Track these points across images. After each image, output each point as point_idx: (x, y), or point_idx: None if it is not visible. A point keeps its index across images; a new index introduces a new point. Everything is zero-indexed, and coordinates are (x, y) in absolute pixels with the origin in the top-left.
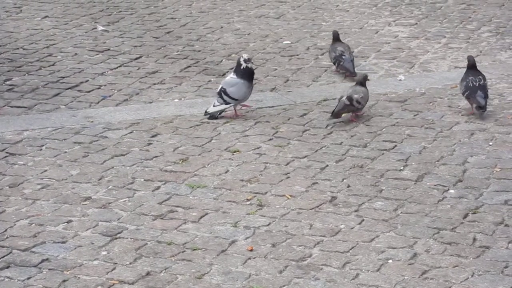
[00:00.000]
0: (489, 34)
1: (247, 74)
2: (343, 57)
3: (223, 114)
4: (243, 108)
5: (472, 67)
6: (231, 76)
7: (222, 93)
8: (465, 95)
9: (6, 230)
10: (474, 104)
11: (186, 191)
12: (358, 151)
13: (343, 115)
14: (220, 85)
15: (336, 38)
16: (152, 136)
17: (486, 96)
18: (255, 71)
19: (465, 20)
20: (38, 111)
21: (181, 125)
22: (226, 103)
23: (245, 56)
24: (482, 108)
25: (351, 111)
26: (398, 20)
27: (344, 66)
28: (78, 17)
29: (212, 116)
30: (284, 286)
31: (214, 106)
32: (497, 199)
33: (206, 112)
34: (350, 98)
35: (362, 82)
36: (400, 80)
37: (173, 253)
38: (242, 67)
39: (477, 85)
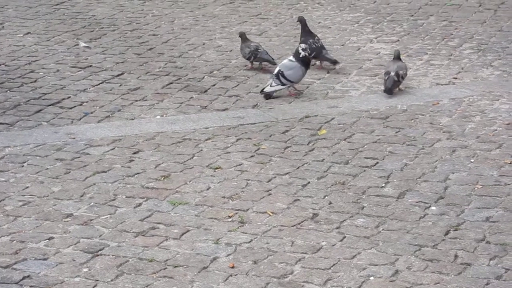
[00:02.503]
0: (471, 51)
1: (305, 61)
2: (259, 50)
3: (275, 94)
4: (294, 91)
5: (305, 26)
6: (290, 59)
7: (280, 75)
8: (312, 56)
9: None
10: (326, 61)
11: (168, 208)
12: (339, 168)
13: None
14: (277, 67)
15: (245, 38)
16: (134, 153)
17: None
18: (238, 87)
19: (446, 37)
20: (20, 128)
21: (163, 142)
22: (282, 84)
23: (303, 45)
24: (337, 62)
25: (397, 86)
26: (380, 37)
27: (262, 57)
28: (60, 33)
29: (268, 96)
30: None
31: (271, 86)
32: (479, 216)
33: (262, 91)
34: (397, 74)
35: (399, 57)
36: None
37: (154, 270)
38: (301, 55)
39: (319, 45)
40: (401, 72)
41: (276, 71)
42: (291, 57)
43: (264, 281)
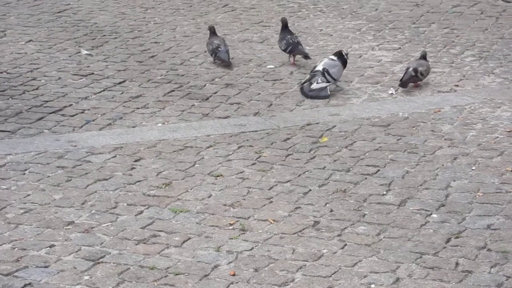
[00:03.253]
0: (473, 59)
1: (345, 62)
2: (219, 49)
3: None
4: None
5: (286, 26)
6: (331, 58)
7: (326, 73)
8: (288, 51)
9: None
10: (299, 54)
11: (169, 215)
12: (341, 175)
13: (408, 84)
14: (321, 66)
15: (213, 32)
16: (135, 161)
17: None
18: (239, 94)
19: (448, 44)
20: (22, 135)
21: (164, 149)
22: (327, 81)
23: (345, 51)
24: (308, 57)
25: (415, 81)
26: (381, 45)
27: (220, 57)
28: (62, 41)
29: (309, 95)
30: None
31: (317, 83)
32: (480, 224)
33: (311, 88)
34: (415, 70)
35: (424, 56)
36: (392, 94)
37: (155, 277)
38: (344, 55)
39: (296, 41)
40: (420, 68)
41: (320, 68)
42: (332, 56)
43: None
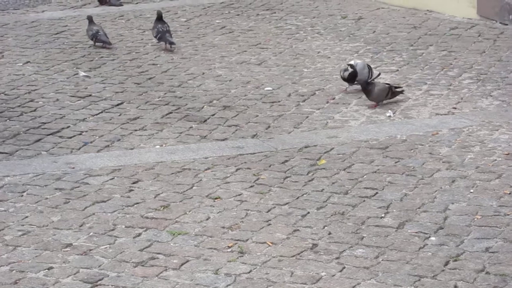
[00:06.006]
0: (470, 81)
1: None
2: (99, 33)
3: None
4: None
5: (160, 18)
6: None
7: None
8: (157, 37)
9: None
10: (167, 43)
11: (167, 238)
12: (339, 198)
13: None
14: None
15: (90, 20)
16: (133, 183)
17: (172, 37)
18: (237, 117)
19: (446, 67)
20: (19, 157)
21: (162, 171)
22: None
23: (353, 62)
24: (173, 43)
25: None
26: (379, 67)
27: (100, 39)
28: (59, 62)
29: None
30: None
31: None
32: (478, 247)
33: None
34: None
35: None
36: (390, 116)
37: None
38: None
39: (165, 30)
40: None
41: None
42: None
43: None
